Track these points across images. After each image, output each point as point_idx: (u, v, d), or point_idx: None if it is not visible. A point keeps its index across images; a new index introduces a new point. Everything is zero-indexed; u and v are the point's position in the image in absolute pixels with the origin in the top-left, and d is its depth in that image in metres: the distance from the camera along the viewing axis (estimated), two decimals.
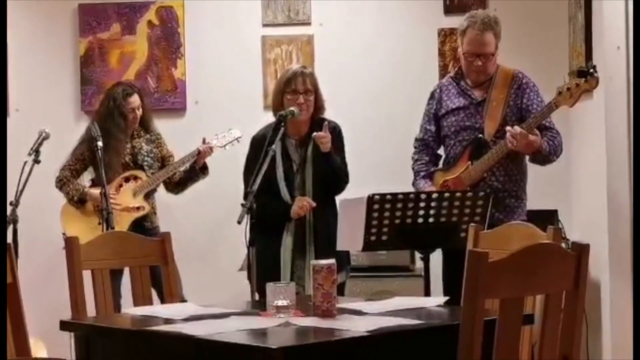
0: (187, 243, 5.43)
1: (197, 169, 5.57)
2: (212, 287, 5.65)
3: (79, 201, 5.52)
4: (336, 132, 4.76)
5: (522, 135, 4.42)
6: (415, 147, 4.91)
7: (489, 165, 4.58)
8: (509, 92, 4.67)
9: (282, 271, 4.59)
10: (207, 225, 6.17)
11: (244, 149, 4.95)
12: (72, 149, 5.60)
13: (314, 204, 4.63)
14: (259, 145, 4.57)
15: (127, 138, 5.59)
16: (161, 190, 5.71)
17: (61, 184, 5.55)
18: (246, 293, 4.29)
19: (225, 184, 5.26)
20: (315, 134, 4.61)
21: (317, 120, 4.73)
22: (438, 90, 4.85)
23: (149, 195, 5.59)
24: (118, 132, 5.51)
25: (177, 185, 5.68)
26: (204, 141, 5.51)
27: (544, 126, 4.58)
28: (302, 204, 4.62)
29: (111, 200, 5.14)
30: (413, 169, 4.88)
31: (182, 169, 5.61)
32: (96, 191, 5.32)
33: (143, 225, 5.49)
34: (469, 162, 4.64)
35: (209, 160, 5.58)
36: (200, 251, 6.05)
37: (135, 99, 5.57)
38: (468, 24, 4.66)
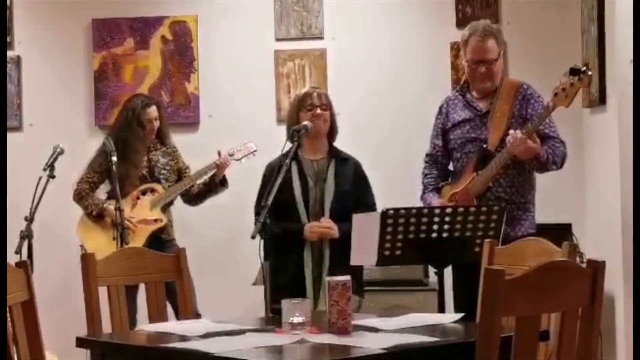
0: (202, 255, 5.43)
1: (216, 182, 5.58)
2: (226, 300, 5.66)
3: (97, 215, 5.52)
4: (358, 172, 4.76)
5: (522, 140, 4.41)
6: (425, 162, 4.90)
7: (493, 173, 4.56)
8: (513, 103, 4.64)
9: (307, 289, 4.57)
10: (222, 238, 6.17)
11: (260, 162, 4.95)
12: (89, 161, 5.60)
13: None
14: (270, 174, 4.52)
15: (145, 149, 5.60)
16: (177, 203, 5.72)
17: (79, 197, 5.55)
18: (260, 307, 4.29)
19: (241, 198, 5.25)
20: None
21: (335, 151, 4.73)
22: (445, 105, 4.85)
23: (166, 208, 5.61)
24: (136, 142, 5.52)
25: (195, 198, 5.69)
26: (219, 153, 5.53)
27: (547, 135, 4.56)
28: (312, 229, 4.60)
29: (129, 214, 5.15)
30: (423, 183, 4.87)
31: (199, 181, 5.62)
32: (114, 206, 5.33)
33: (160, 238, 5.51)
34: (475, 173, 4.63)
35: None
36: (214, 263, 6.05)
37: (153, 110, 5.60)
38: (470, 32, 4.67)
